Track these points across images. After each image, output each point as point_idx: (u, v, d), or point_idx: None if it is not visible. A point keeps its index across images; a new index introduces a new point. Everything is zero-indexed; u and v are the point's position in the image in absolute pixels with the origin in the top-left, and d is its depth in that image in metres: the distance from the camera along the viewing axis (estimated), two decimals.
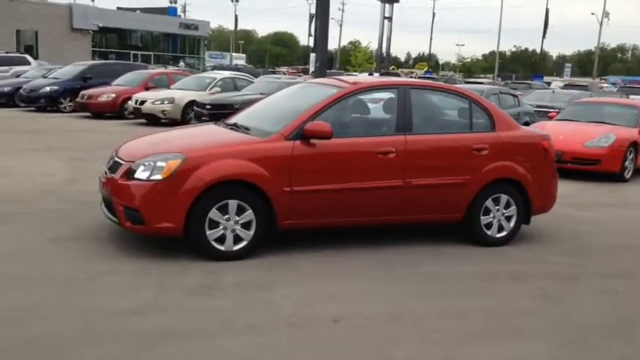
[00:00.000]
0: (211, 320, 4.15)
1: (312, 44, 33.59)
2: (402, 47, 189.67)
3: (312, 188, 5.51)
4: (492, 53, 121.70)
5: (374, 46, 68.43)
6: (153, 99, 17.02)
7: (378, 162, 5.72)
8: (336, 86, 5.97)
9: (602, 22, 66.21)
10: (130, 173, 5.35)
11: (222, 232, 5.30)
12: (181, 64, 43.76)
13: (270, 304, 4.47)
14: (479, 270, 5.47)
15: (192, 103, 16.91)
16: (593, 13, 66.87)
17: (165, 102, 16.90)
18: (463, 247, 6.08)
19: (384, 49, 60.21)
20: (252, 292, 4.69)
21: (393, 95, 5.96)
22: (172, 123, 16.37)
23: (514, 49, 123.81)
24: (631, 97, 20.77)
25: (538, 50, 72.66)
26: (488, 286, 5.10)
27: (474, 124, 6.21)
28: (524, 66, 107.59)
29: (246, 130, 5.84)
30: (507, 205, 6.22)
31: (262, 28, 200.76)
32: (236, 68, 40.14)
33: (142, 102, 17.05)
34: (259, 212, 5.37)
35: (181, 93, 17.38)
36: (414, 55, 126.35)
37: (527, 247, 6.23)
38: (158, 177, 5.19)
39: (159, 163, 5.23)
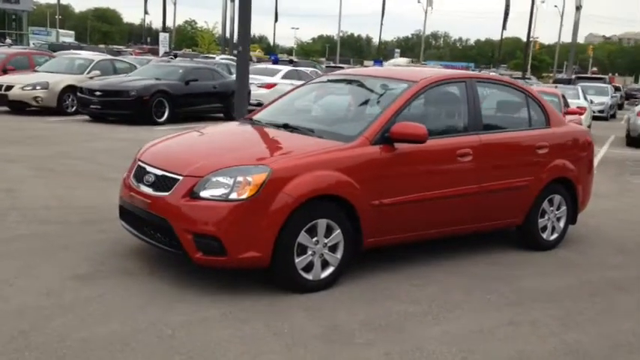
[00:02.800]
0: None
1: (148, 22, 31.25)
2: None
3: (399, 199, 4.76)
4: (321, 37, 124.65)
5: (210, 26, 66.27)
6: (22, 84, 14.65)
7: (457, 165, 5.12)
8: (404, 80, 5.21)
9: (426, 10, 70.43)
10: (195, 191, 4.22)
11: (310, 258, 4.40)
12: (8, 41, 38.79)
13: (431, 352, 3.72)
14: (577, 282, 5.10)
15: (69, 89, 14.91)
16: (419, 1, 69.85)
17: (38, 87, 14.65)
18: (515, 254, 5.70)
19: (227, 31, 58.27)
20: (392, 333, 3.89)
21: (461, 90, 5.36)
22: (46, 111, 14.35)
23: (341, 35, 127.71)
24: None
25: (363, 36, 76.28)
26: (607, 300, 4.75)
27: (533, 120, 5.83)
28: (352, 51, 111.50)
29: (310, 132, 4.91)
30: (559, 206, 5.95)
31: (79, 2, 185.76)
32: (66, 46, 36.78)
33: (9, 87, 14.61)
34: (347, 231, 4.52)
35: (55, 77, 15.19)
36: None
37: (578, 250, 6.01)
38: (242, 195, 4.14)
39: (240, 178, 4.17)
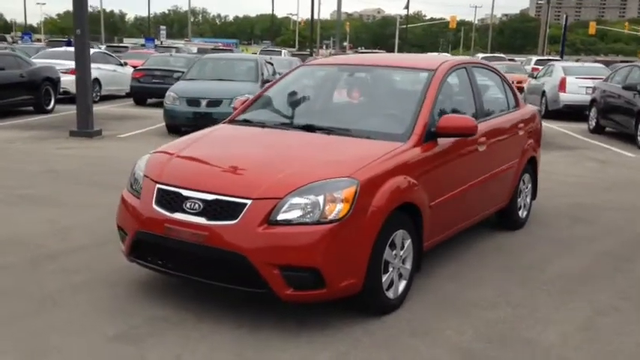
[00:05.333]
0: None
1: None
2: None
3: (444, 198, 4.49)
4: (69, 13, 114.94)
5: None
6: None
7: (477, 154, 4.96)
8: (421, 69, 4.87)
9: None
10: (274, 216, 3.49)
11: (391, 275, 3.94)
12: None
13: None
14: (590, 254, 5.30)
15: None
16: None
17: None
18: (513, 238, 5.81)
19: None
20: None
21: (466, 76, 5.18)
22: None
23: (92, 10, 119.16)
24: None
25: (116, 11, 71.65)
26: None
27: (509, 103, 5.89)
28: (107, 27, 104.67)
29: (346, 132, 4.35)
30: (527, 184, 6.16)
31: None
32: None
33: None
34: (414, 239, 4.14)
35: None
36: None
37: (544, 223, 6.28)
38: (334, 215, 3.51)
39: (329, 195, 3.53)
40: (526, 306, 4.19)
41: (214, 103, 11.41)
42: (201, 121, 11.40)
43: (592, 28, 63.51)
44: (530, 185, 6.20)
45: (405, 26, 68.34)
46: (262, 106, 5.07)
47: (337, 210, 3.52)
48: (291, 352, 3.44)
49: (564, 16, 65.41)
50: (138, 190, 4.04)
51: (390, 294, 3.94)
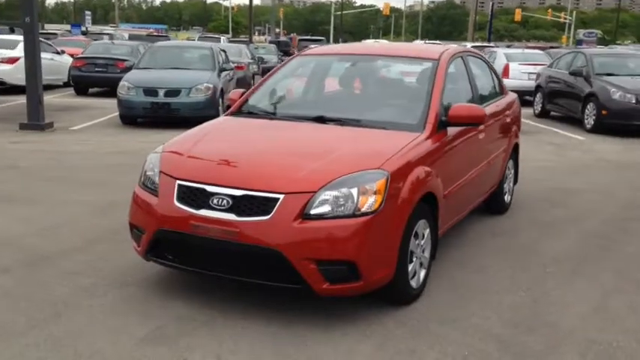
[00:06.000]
0: None
1: None
2: None
3: (455, 185, 4.57)
4: None
5: None
6: None
7: (480, 141, 5.06)
8: (424, 58, 4.90)
9: None
10: (308, 210, 3.45)
11: (414, 265, 3.97)
12: None
13: None
14: (577, 234, 5.52)
15: None
16: None
17: None
18: (501, 222, 5.95)
19: None
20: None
21: (462, 64, 5.25)
22: None
23: None
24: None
25: None
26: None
27: (497, 89, 6.01)
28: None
29: (357, 122, 4.33)
30: (511, 169, 6.33)
31: None
32: None
33: None
34: (432, 228, 4.19)
35: None
36: None
37: (518, 206, 6.48)
38: (368, 207, 3.50)
39: (362, 187, 3.52)
40: (536, 289, 4.31)
41: (173, 92, 11.11)
42: (160, 111, 11.15)
43: (518, 15, 65.53)
44: (512, 170, 6.38)
45: (339, 13, 68.61)
46: (264, 98, 4.98)
47: (370, 202, 3.52)
48: (331, 346, 3.42)
49: (490, 3, 67.34)
50: (153, 188, 3.90)
51: (414, 283, 3.98)
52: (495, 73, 6.11)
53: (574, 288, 4.37)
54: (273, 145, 4.11)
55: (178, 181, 3.76)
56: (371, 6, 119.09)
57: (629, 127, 11.72)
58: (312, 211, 3.46)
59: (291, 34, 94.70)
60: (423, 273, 4.12)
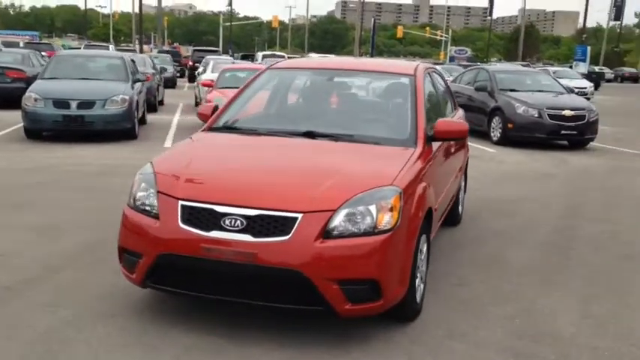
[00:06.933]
0: None
1: None
2: None
3: (440, 199, 4.64)
4: None
5: None
6: None
7: (451, 156, 5.17)
8: (399, 74, 4.93)
9: None
10: (330, 228, 3.36)
11: (417, 280, 3.97)
12: None
13: None
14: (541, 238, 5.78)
15: None
16: None
17: None
18: (459, 233, 6.10)
19: None
20: None
21: (430, 80, 5.33)
22: None
23: None
24: None
25: None
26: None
27: (453, 104, 6.16)
28: None
29: (350, 138, 4.27)
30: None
31: None
32: None
33: None
34: (428, 242, 4.21)
35: None
36: None
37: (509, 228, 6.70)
38: (385, 224, 3.46)
39: (380, 204, 3.47)
40: (522, 300, 4.45)
41: (87, 104, 10.46)
42: (72, 124, 10.47)
43: (399, 32, 68.43)
44: (463, 182, 6.58)
45: (229, 24, 68.06)
46: (242, 113, 4.79)
47: (387, 219, 3.47)
48: None
49: (372, 19, 69.81)
50: (149, 209, 3.63)
51: (418, 298, 3.98)
52: (449, 89, 6.28)
53: (553, 297, 4.55)
54: (276, 162, 3.96)
55: (181, 202, 3.52)
56: (255, 18, 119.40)
57: (532, 139, 12.50)
58: (333, 230, 3.37)
59: (174, 44, 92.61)
60: (422, 287, 4.13)
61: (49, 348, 3.37)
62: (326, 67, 5.56)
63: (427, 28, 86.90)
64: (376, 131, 4.44)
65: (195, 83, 19.53)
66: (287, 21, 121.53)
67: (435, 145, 4.57)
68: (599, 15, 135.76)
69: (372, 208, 3.44)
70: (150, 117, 14.04)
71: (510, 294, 4.54)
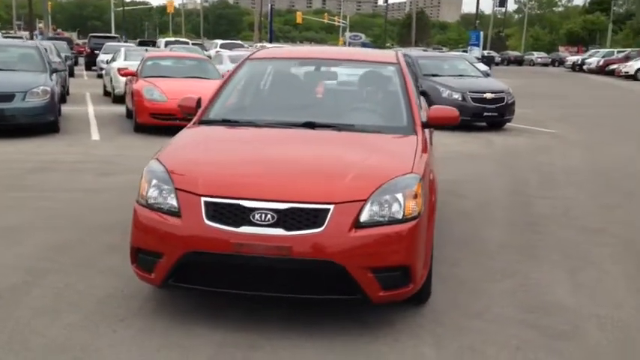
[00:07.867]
0: None
1: None
2: None
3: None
4: None
5: None
6: None
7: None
8: (384, 62, 4.95)
9: None
10: (361, 218, 3.36)
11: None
12: None
13: None
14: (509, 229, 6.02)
15: None
16: None
17: None
18: None
19: None
20: None
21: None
22: None
23: None
24: None
25: None
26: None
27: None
28: None
29: (351, 127, 4.25)
30: None
31: None
32: None
33: None
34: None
35: None
36: None
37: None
38: (413, 211, 3.49)
39: (407, 192, 3.50)
40: (517, 275, 4.64)
41: (5, 97, 9.70)
42: None
43: (299, 18, 68.57)
44: None
45: (121, 9, 65.33)
46: (232, 106, 4.65)
47: (413, 206, 3.51)
48: (396, 353, 3.35)
49: (269, 4, 69.59)
50: (167, 208, 3.45)
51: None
52: (415, 76, 6.38)
53: (542, 270, 4.78)
54: (289, 154, 3.88)
55: (204, 198, 3.37)
56: (144, 3, 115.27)
57: None
58: (365, 220, 3.37)
59: (58, 30, 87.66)
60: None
61: (74, 356, 3.14)
62: (310, 56, 5.48)
63: (325, 14, 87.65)
64: (374, 120, 4.47)
65: (104, 72, 18.65)
66: (178, 6, 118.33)
67: (427, 131, 4.65)
68: (482, 2, 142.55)
69: (400, 197, 3.47)
70: (62, 108, 13.26)
71: (504, 271, 4.71)
